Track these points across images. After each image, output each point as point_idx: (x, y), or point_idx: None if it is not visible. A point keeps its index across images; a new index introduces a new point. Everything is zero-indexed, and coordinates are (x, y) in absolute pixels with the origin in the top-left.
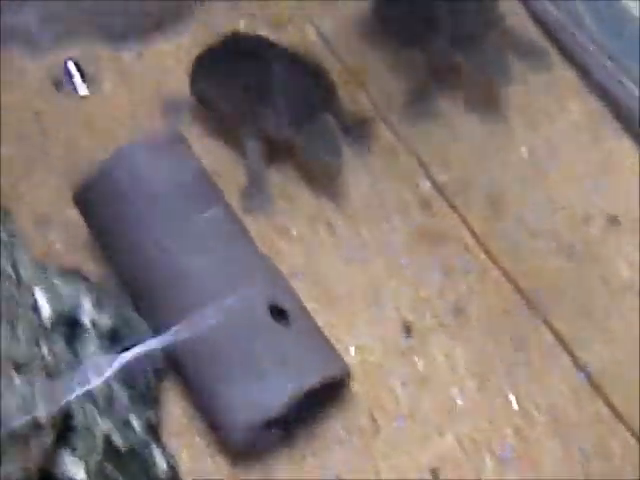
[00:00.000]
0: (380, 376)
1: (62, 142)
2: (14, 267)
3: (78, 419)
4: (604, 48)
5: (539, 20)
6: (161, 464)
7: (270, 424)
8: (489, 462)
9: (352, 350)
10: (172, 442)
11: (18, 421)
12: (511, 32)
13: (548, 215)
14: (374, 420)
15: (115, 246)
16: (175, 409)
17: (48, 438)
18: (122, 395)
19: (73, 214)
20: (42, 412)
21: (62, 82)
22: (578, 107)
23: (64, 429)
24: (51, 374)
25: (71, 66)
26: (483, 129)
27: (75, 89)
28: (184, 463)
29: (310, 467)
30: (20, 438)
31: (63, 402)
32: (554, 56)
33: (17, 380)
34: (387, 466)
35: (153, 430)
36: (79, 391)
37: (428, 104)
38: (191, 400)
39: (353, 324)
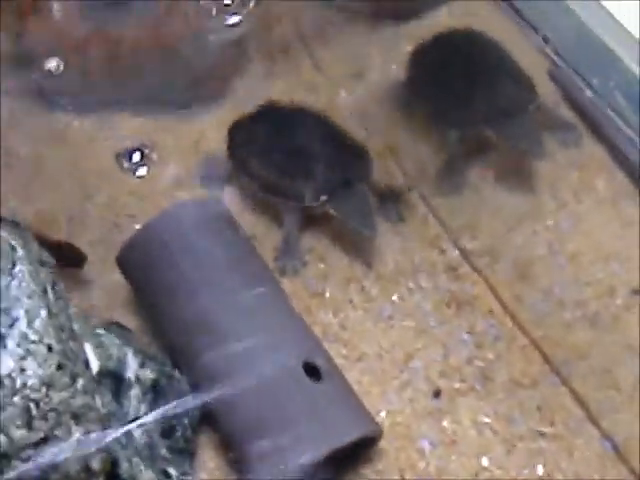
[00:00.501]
0: (409, 436)
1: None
2: (69, 322)
3: (124, 468)
4: (632, 123)
5: (570, 98)
6: None
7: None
8: None
9: (382, 411)
10: None
11: (74, 467)
12: (543, 109)
13: (573, 285)
14: (403, 479)
15: (157, 307)
16: (209, 463)
17: None
18: (161, 446)
19: (114, 276)
20: (96, 459)
21: (124, 159)
22: (604, 183)
23: (111, 477)
24: (103, 424)
25: (136, 156)
26: (511, 201)
27: (134, 171)
28: None
29: None
30: None
31: (112, 451)
32: (583, 133)
33: (75, 429)
34: None
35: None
36: (125, 441)
37: (459, 176)
38: (225, 454)
39: (383, 384)
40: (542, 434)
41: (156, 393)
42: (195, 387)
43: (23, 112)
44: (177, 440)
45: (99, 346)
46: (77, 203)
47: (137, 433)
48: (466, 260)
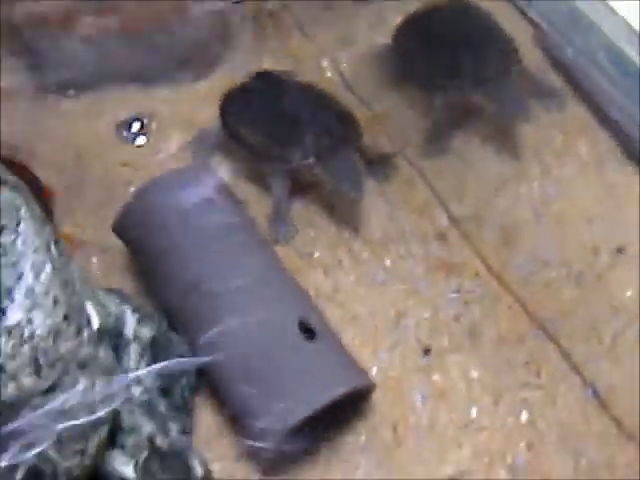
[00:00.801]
0: (401, 392)
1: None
2: (72, 278)
3: (126, 420)
4: (618, 85)
5: (554, 61)
6: (197, 468)
7: (297, 433)
8: (503, 473)
9: (374, 368)
10: (203, 452)
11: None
12: (527, 74)
13: (558, 246)
14: (396, 432)
15: (153, 271)
16: (207, 421)
17: (104, 433)
18: (160, 404)
19: (111, 242)
20: (101, 408)
21: (123, 128)
22: (587, 146)
23: (114, 429)
24: (107, 374)
25: (135, 126)
26: (496, 166)
27: (133, 140)
28: (215, 472)
29: (335, 476)
30: (81, 433)
31: (115, 402)
32: (568, 97)
33: (81, 378)
34: (408, 475)
35: (189, 437)
36: (125, 394)
37: (444, 140)
38: (222, 412)
39: (374, 343)
40: (528, 385)
41: (154, 351)
42: (192, 347)
43: (16, 88)
44: (175, 398)
45: (98, 304)
46: (74, 172)
47: (136, 391)
48: (454, 226)
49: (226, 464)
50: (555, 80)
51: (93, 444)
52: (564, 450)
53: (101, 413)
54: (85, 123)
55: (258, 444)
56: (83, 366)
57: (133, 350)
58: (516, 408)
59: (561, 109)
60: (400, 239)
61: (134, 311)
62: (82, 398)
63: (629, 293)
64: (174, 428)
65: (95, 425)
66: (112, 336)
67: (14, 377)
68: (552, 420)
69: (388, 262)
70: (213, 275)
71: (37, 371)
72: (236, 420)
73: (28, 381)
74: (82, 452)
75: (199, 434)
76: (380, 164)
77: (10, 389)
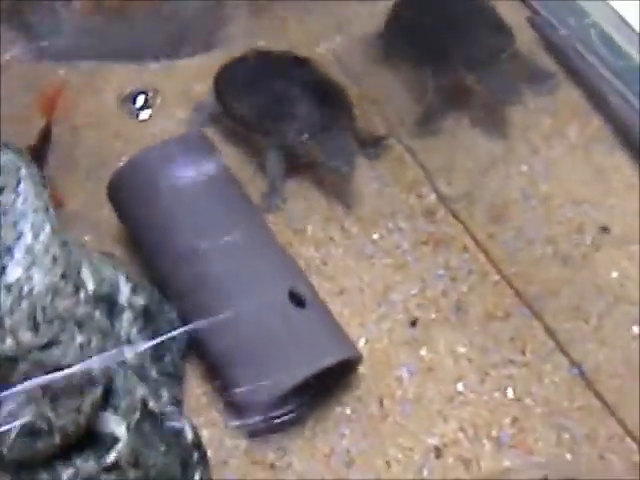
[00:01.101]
0: (388, 365)
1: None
2: (70, 244)
3: (119, 383)
4: (612, 69)
5: (549, 44)
6: (188, 432)
7: (284, 402)
8: (488, 446)
9: (362, 340)
10: (193, 419)
11: (78, 372)
12: (521, 56)
13: (545, 225)
14: (382, 405)
15: (145, 240)
16: (196, 389)
17: (98, 393)
18: (152, 370)
19: (104, 212)
20: (96, 365)
21: (127, 102)
22: (577, 129)
23: (108, 391)
24: (103, 334)
25: (140, 99)
26: (486, 147)
27: (137, 115)
28: (204, 439)
29: (321, 445)
30: (76, 390)
31: (109, 363)
32: (561, 80)
33: (78, 336)
34: (394, 445)
35: (179, 404)
36: (119, 356)
37: (436, 122)
38: (211, 380)
39: (362, 316)
40: (513, 362)
41: (146, 319)
42: (182, 316)
43: (15, 58)
44: (166, 365)
45: (94, 269)
46: (69, 142)
47: (129, 356)
48: (443, 203)
49: (215, 431)
50: (548, 63)
51: (88, 402)
52: (548, 425)
53: (96, 366)
54: (84, 96)
55: (245, 412)
56: (80, 325)
57: (126, 318)
58: (502, 384)
59: (553, 92)
60: (389, 215)
61: (128, 279)
62: (79, 354)
63: (614, 274)
64: (165, 393)
65: (90, 383)
66: (106, 302)
67: (12, 332)
68: (537, 396)
69: (377, 237)
70: (204, 244)
71: (35, 327)
72: (224, 389)
73: (26, 336)
74: (77, 410)
75: (189, 402)
76: (372, 143)
77: (8, 344)
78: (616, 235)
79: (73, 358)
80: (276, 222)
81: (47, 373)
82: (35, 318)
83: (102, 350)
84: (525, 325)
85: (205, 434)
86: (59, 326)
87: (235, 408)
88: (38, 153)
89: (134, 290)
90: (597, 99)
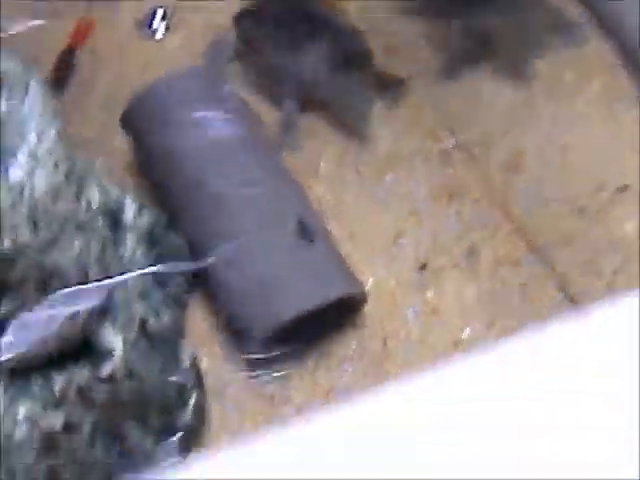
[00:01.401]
0: (394, 305)
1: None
2: (74, 151)
3: (119, 297)
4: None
5: None
6: (185, 358)
7: (287, 337)
8: None
9: (369, 281)
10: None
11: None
12: (547, 4)
13: (563, 179)
14: (386, 344)
15: (156, 165)
16: (200, 322)
17: (95, 302)
18: (155, 291)
19: (116, 141)
20: (94, 270)
21: (145, 24)
22: (601, 83)
23: (107, 306)
24: (104, 247)
25: (159, 13)
26: (508, 97)
27: (153, 33)
28: (203, 371)
29: (322, 381)
30: (72, 296)
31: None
32: (587, 31)
33: (77, 240)
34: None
35: (180, 330)
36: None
37: (460, 70)
38: (216, 313)
39: (372, 258)
40: (521, 311)
41: (151, 242)
42: (189, 244)
43: None
44: (170, 290)
45: (101, 187)
46: (89, 68)
47: (131, 276)
48: (460, 151)
49: (215, 364)
50: (576, 13)
51: (84, 311)
52: None
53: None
54: (103, 22)
55: (247, 344)
56: (80, 229)
57: (130, 238)
58: (508, 332)
59: (580, 44)
60: (405, 160)
61: (134, 200)
62: (76, 258)
63: (629, 230)
64: (166, 317)
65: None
66: (110, 217)
67: (11, 232)
68: None
69: (391, 181)
70: (216, 174)
71: (34, 227)
72: (228, 319)
73: (25, 236)
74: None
75: (192, 333)
76: (390, 87)
77: (6, 244)
78: (634, 192)
79: (71, 261)
80: (290, 160)
81: (45, 275)
82: (35, 219)
83: (101, 259)
84: (536, 275)
85: (205, 364)
86: (58, 228)
87: (237, 339)
88: (58, 75)
89: (140, 211)
90: (624, 53)
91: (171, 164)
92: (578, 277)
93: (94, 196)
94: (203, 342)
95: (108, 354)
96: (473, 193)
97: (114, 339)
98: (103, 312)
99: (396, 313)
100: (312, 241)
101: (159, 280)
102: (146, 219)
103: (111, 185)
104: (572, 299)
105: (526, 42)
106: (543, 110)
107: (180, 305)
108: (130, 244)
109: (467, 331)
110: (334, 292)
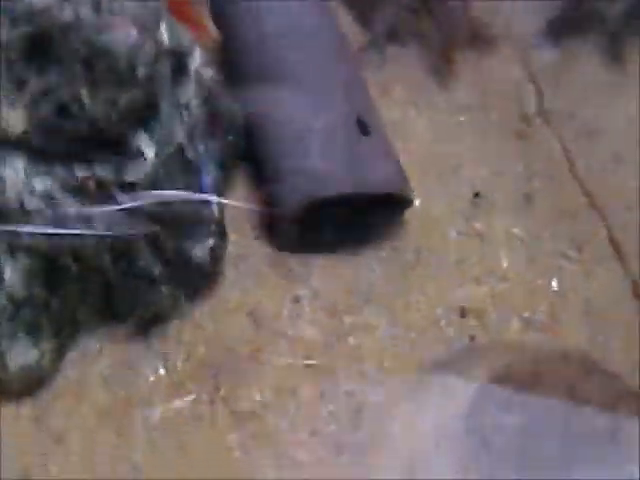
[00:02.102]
0: (438, 223)
1: None
2: None
3: (164, 109)
4: None
5: None
6: (214, 209)
7: (320, 220)
8: (515, 323)
9: (419, 198)
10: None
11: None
12: None
13: (637, 148)
14: (419, 255)
15: (237, 53)
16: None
17: (139, 93)
18: (200, 143)
19: None
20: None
21: None
22: None
23: (148, 115)
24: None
25: None
26: (600, 73)
27: None
28: (230, 244)
29: (346, 273)
30: (116, 81)
31: None
32: None
33: None
34: (420, 293)
35: (215, 188)
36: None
37: (559, 37)
38: (254, 187)
39: (425, 179)
40: (567, 256)
41: (208, 97)
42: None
43: None
44: (217, 143)
45: (173, 29)
46: None
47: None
48: (540, 112)
49: (242, 239)
50: None
51: (126, 98)
52: (585, 323)
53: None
54: None
55: (277, 209)
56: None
57: (190, 89)
58: (548, 273)
59: None
60: (482, 106)
61: (203, 52)
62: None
63: None
64: (205, 167)
65: (129, 80)
66: (176, 63)
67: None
68: (581, 295)
69: (463, 119)
70: (295, 51)
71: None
72: (263, 196)
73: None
74: (113, 102)
75: (226, 212)
76: (484, 37)
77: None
78: None
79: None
80: (365, 76)
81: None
82: None
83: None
84: (590, 227)
85: (233, 238)
86: None
87: (267, 204)
88: None
89: (207, 64)
90: None
91: (250, 44)
92: (633, 238)
93: (164, 36)
94: (235, 221)
95: (138, 158)
96: (544, 147)
97: (147, 148)
98: (145, 121)
99: (437, 230)
100: (368, 134)
101: (206, 132)
102: (210, 73)
103: (183, 32)
104: (621, 256)
105: (626, 21)
106: (633, 93)
107: (221, 167)
108: (188, 94)
109: (506, 262)
110: (379, 186)
